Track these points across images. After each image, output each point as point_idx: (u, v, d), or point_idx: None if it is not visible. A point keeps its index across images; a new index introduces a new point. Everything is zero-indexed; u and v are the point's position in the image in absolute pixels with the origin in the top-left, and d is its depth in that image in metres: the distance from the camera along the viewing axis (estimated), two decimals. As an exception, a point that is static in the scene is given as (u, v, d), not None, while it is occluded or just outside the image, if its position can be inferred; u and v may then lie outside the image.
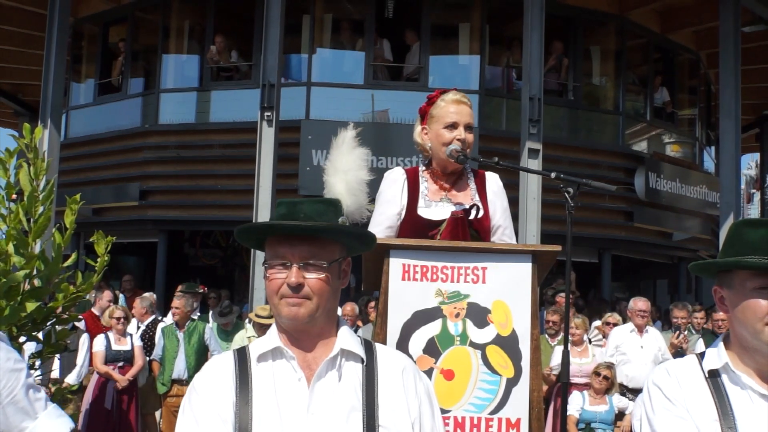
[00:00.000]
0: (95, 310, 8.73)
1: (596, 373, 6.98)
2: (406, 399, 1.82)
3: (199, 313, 9.04)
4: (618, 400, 7.02)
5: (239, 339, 8.01)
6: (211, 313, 9.25)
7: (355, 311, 8.38)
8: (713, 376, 1.86)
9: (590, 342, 7.97)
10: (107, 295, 8.75)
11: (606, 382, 6.94)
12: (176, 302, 8.15)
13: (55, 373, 7.21)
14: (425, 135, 3.15)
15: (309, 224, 1.78)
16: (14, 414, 1.90)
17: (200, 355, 7.85)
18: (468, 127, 3.07)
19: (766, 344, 1.80)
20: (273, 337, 1.85)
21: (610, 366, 7.09)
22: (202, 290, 9.36)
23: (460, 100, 3.10)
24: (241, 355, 1.84)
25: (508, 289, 2.76)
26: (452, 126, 3.06)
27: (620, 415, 7.01)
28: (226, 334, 8.51)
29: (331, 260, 1.81)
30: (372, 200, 2.95)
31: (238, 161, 11.62)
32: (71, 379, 7.39)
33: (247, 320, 8.52)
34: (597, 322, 8.76)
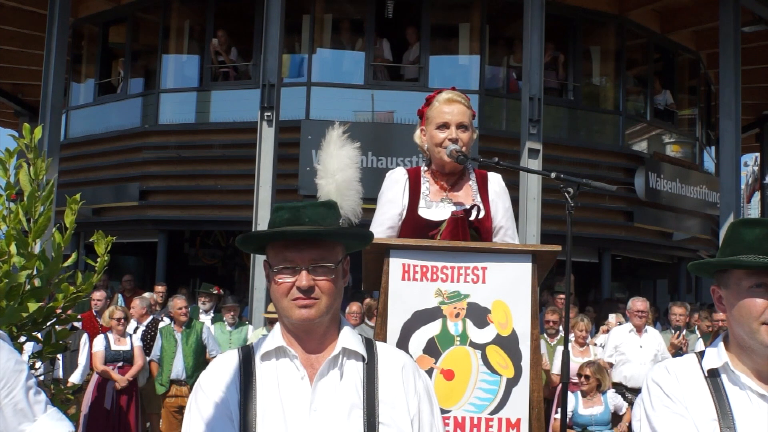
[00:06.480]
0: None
1: (579, 375, 6.69)
2: (405, 396, 1.86)
3: (212, 314, 9.01)
4: (612, 398, 6.79)
5: (253, 337, 8.04)
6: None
7: (361, 310, 8.37)
8: (713, 375, 1.86)
9: (594, 343, 7.95)
10: (99, 294, 8.71)
11: (589, 381, 6.64)
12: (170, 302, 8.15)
13: (57, 373, 7.21)
14: (423, 136, 3.14)
15: (321, 229, 1.83)
16: (12, 415, 1.88)
17: (198, 356, 7.85)
18: (461, 126, 3.03)
19: (761, 344, 1.80)
20: (277, 337, 1.88)
21: (591, 364, 6.80)
22: (217, 292, 9.34)
23: (452, 99, 3.06)
24: (246, 354, 1.89)
25: (508, 289, 2.76)
26: (444, 126, 3.04)
27: (617, 414, 6.84)
28: (229, 332, 8.50)
29: (336, 261, 1.86)
30: (365, 199, 2.94)
31: (238, 161, 11.62)
32: (75, 378, 7.39)
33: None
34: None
